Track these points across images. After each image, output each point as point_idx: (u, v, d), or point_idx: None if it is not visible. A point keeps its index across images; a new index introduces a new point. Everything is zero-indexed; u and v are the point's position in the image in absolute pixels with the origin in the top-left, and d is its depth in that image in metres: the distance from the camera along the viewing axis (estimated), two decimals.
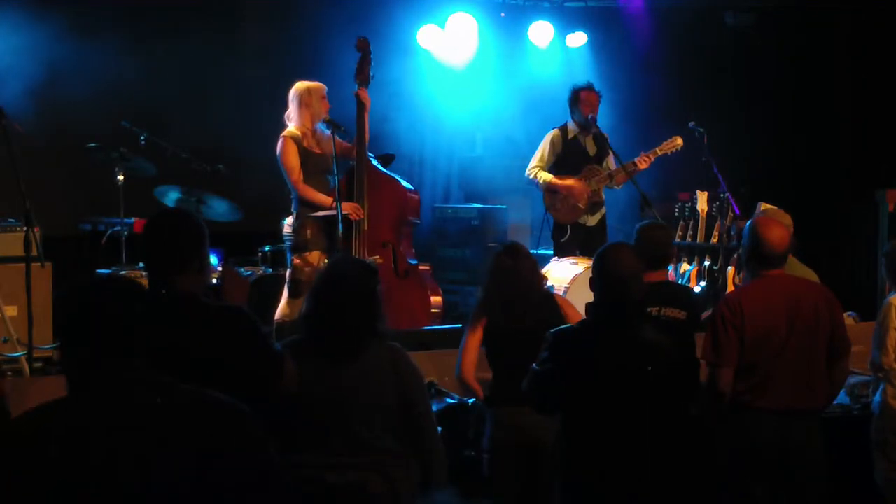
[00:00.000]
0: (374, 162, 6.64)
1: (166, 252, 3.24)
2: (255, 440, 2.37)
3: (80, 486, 2.18)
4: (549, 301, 4.61)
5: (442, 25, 9.31)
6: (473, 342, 4.56)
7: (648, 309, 4.43)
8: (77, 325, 2.36)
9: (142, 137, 7.04)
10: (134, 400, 2.29)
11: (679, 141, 7.35)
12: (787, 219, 5.00)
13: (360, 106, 6.39)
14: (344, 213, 6.10)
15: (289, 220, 6.41)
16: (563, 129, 7.51)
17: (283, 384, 3.35)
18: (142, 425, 2.25)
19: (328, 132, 6.32)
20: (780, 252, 4.25)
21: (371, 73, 6.53)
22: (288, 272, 6.28)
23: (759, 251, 4.24)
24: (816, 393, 4.26)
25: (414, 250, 6.87)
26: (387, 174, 6.68)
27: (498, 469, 4.44)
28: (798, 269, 4.89)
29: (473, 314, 4.64)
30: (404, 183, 6.77)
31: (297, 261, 6.16)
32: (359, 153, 6.37)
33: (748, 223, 4.40)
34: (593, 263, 3.91)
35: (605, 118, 7.54)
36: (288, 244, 6.34)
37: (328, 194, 6.31)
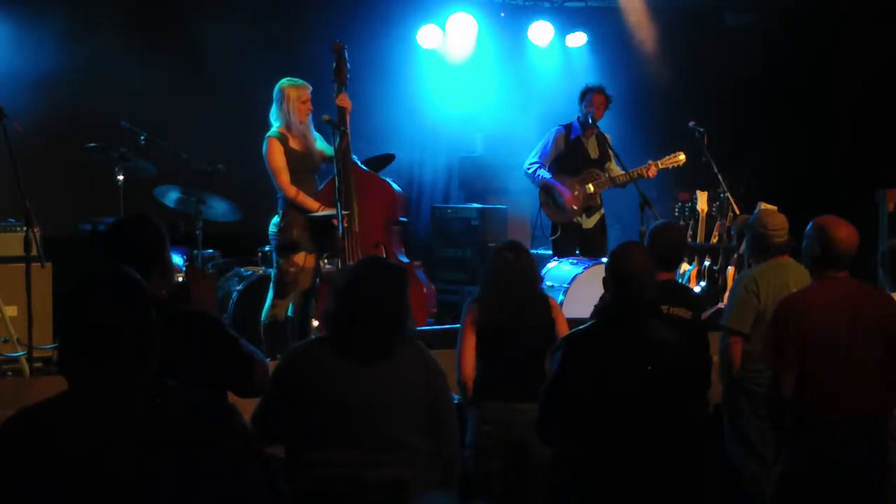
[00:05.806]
0: (360, 165, 6.57)
1: (129, 257, 3.17)
2: (246, 440, 2.35)
3: (70, 487, 2.16)
4: (545, 302, 4.59)
5: (442, 25, 9.33)
6: (472, 343, 4.49)
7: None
8: (82, 325, 2.28)
9: (142, 137, 7.03)
10: (131, 403, 2.25)
11: (682, 157, 7.36)
12: (780, 219, 4.96)
13: (341, 110, 6.35)
14: (332, 214, 6.07)
15: (275, 221, 6.31)
16: (568, 127, 7.51)
17: (254, 384, 3.35)
18: (136, 428, 2.22)
19: (313, 130, 6.30)
20: (852, 252, 4.12)
21: (348, 75, 6.41)
22: (273, 273, 6.27)
23: (831, 252, 4.11)
24: (883, 399, 4.12)
25: (404, 248, 6.83)
26: (374, 175, 6.63)
27: (482, 466, 4.37)
28: (796, 269, 4.86)
29: (468, 312, 4.53)
30: (391, 182, 6.72)
31: (283, 261, 6.16)
32: (344, 158, 6.28)
33: (810, 223, 4.25)
34: (606, 263, 3.92)
35: (604, 118, 7.53)
36: (273, 245, 6.27)
37: (315, 193, 6.30)
